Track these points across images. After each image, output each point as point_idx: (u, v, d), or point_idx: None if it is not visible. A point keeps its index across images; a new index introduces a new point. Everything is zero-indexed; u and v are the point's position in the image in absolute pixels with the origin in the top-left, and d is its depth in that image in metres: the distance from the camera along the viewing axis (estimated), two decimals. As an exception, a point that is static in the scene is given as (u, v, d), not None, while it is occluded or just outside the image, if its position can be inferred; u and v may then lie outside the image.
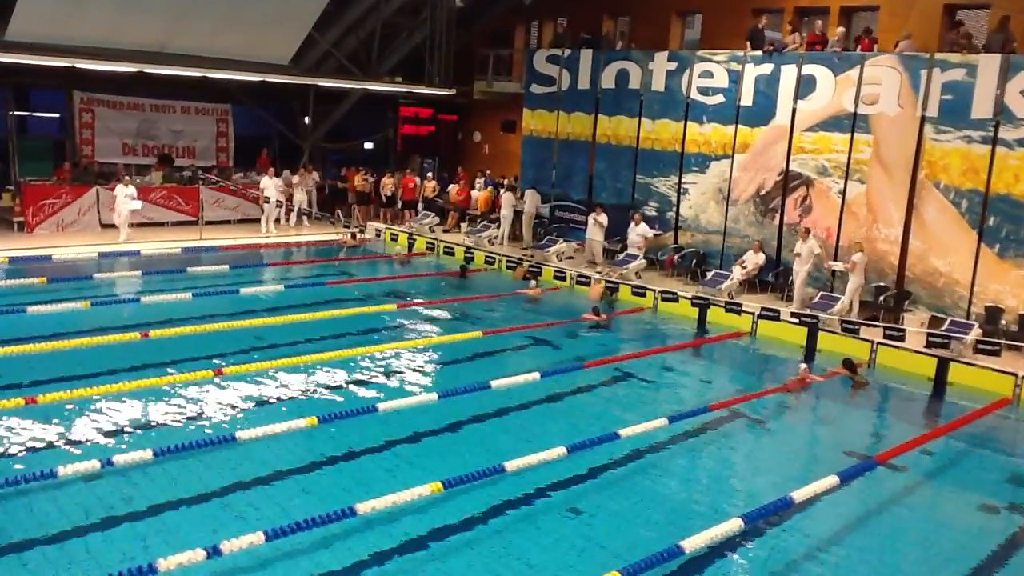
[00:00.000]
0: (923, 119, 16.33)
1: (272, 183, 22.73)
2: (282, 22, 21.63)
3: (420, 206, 24.85)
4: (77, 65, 19.71)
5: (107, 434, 9.54)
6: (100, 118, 22.86)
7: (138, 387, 10.63)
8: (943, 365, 14.12)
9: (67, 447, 9.13)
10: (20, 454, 8.90)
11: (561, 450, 9.49)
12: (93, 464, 8.33)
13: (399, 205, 24.97)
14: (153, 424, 9.94)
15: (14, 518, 7.60)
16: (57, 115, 23.48)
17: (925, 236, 16.50)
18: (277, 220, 23.37)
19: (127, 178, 20.35)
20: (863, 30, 18.36)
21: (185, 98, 24.20)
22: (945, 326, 15.21)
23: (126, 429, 9.72)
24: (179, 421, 10.07)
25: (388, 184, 24.95)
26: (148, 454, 8.67)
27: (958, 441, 11.66)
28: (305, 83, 24.24)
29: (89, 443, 9.27)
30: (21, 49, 18.51)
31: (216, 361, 11.95)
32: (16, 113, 22.51)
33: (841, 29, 18.47)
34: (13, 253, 17.89)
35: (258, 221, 23.00)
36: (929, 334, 14.91)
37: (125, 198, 19.95)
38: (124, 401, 10.36)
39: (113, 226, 21.22)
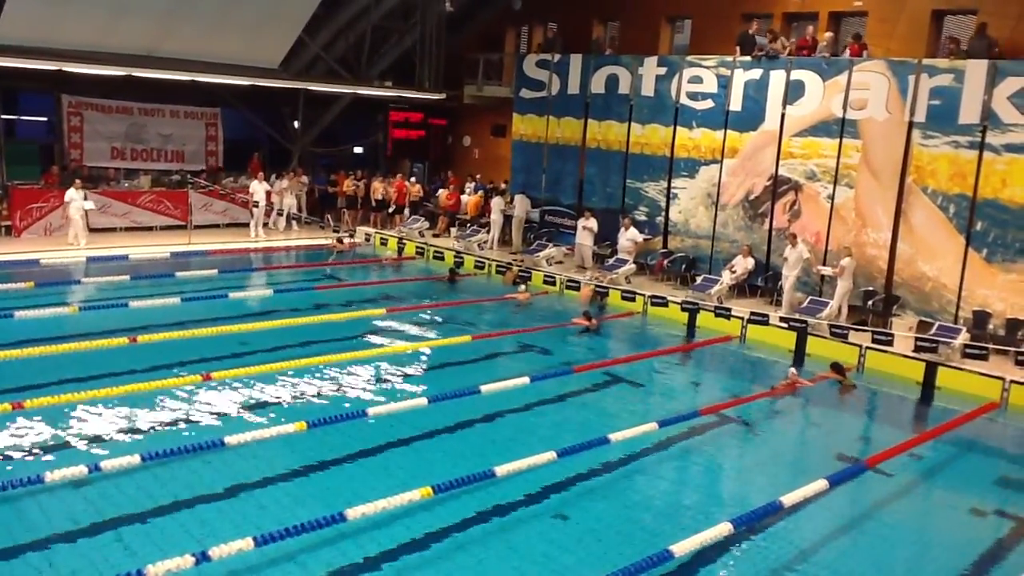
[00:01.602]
0: (911, 124, 16.42)
1: (261, 187, 22.69)
2: (272, 26, 21.61)
3: (407, 211, 24.80)
4: (65, 68, 19.63)
5: (95, 439, 9.49)
6: (89, 122, 22.76)
7: (126, 392, 10.56)
8: (931, 369, 14.17)
9: (54, 452, 9.07)
10: (7, 459, 8.83)
11: (551, 455, 9.48)
12: (80, 469, 8.27)
13: (391, 209, 24.93)
14: (141, 429, 9.88)
15: (0, 524, 7.54)
16: (45, 119, 23.37)
17: (913, 241, 16.57)
18: (265, 224, 23.34)
19: (78, 181, 20.04)
20: (852, 35, 18.44)
21: (174, 102, 24.10)
22: (933, 330, 15.28)
23: (114, 434, 9.67)
24: (167, 426, 10.02)
25: (378, 188, 24.94)
26: (136, 459, 8.61)
27: (946, 445, 11.70)
28: (295, 87, 24.20)
29: (76, 448, 9.22)
30: (9, 52, 18.42)
31: (204, 366, 11.87)
32: (3, 117, 22.39)
33: (829, 34, 18.56)
34: (0, 257, 17.77)
35: (247, 225, 22.95)
36: (917, 338, 14.97)
37: (82, 202, 19.73)
38: (112, 406, 10.29)
39: (107, 230, 21.21)
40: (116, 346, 12.53)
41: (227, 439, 9.30)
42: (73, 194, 19.60)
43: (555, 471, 9.39)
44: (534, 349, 14.66)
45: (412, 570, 7.39)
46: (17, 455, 8.96)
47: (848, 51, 17.82)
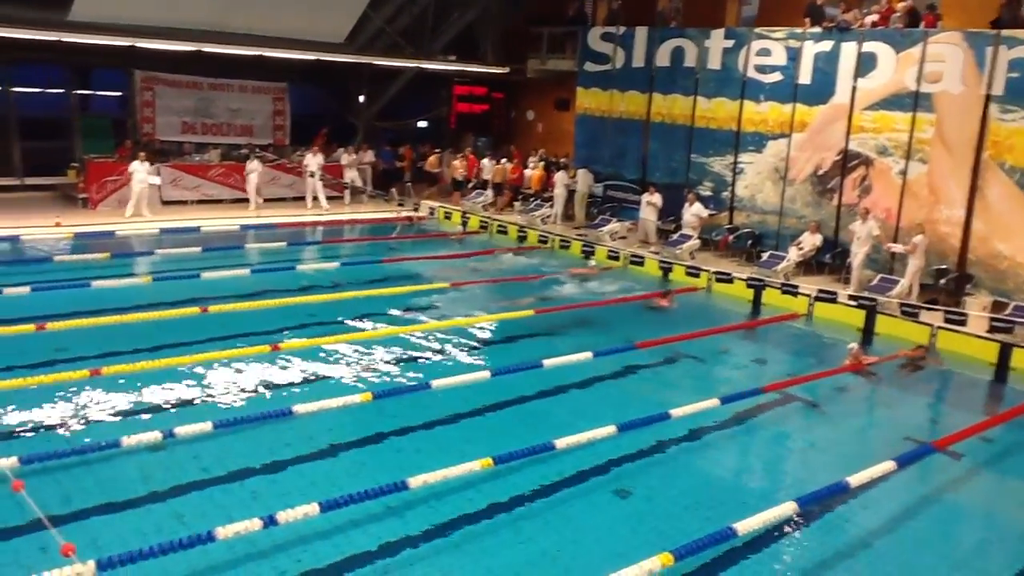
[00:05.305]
0: (988, 98, 15.89)
1: (315, 159, 22.99)
2: (337, 1, 21.76)
3: (490, 189, 24.67)
4: (138, 44, 20.08)
5: (168, 406, 9.79)
6: (160, 96, 23.26)
7: (198, 360, 10.85)
8: (1005, 350, 13.78)
9: (130, 418, 9.38)
10: (85, 424, 9.17)
11: (611, 428, 9.47)
12: (155, 435, 8.50)
13: (471, 185, 24.93)
14: (212, 397, 10.16)
15: (78, 486, 7.83)
16: (119, 93, 23.96)
17: (988, 218, 16.08)
18: (336, 197, 23.64)
19: (142, 154, 20.43)
20: (926, 6, 17.89)
21: (242, 76, 24.50)
22: (1008, 310, 14.84)
23: (187, 401, 9.96)
24: (237, 394, 10.28)
25: (458, 167, 25.02)
26: (208, 426, 8.85)
27: (1019, 429, 11.38)
28: (359, 61, 24.36)
29: (151, 414, 9.53)
30: (84, 29, 18.92)
31: (273, 336, 12.13)
32: (79, 92, 23.00)
33: (903, 4, 18.01)
34: (78, 229, 18.35)
35: (315, 199, 23.29)
36: (991, 318, 14.56)
37: (146, 175, 20.12)
38: (184, 374, 10.59)
39: (179, 202, 21.78)
40: (188, 316, 12.83)
41: (295, 408, 9.47)
42: (136, 166, 20.05)
43: (615, 446, 9.38)
44: (597, 324, 14.63)
45: (472, 539, 7.48)
46: (95, 420, 9.29)
47: (923, 22, 17.31)
